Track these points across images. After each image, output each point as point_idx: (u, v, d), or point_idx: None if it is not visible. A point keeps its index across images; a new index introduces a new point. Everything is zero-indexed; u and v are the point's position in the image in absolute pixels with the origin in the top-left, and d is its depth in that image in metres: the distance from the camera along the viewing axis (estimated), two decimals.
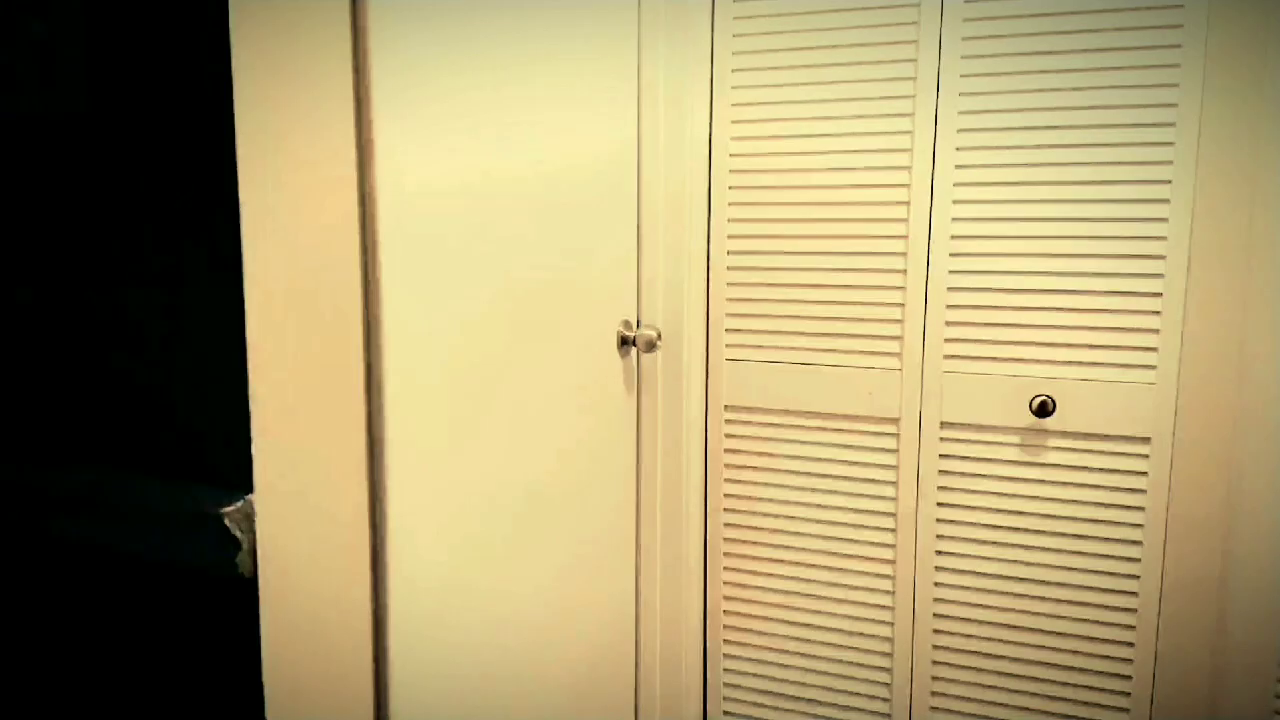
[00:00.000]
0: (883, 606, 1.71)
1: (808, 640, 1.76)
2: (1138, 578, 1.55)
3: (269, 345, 1.04)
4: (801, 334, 1.69)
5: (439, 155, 1.18)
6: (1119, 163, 1.48)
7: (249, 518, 1.07)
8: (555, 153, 1.31)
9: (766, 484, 1.75)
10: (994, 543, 1.62)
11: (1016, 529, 1.61)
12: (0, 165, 1.18)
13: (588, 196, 1.40)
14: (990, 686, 1.66)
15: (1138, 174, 1.48)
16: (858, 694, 1.74)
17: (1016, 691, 1.64)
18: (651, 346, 1.53)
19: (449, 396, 1.26)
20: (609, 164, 1.46)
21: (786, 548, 1.75)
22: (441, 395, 1.24)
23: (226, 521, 1.07)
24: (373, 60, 1.02)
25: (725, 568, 1.80)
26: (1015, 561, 1.61)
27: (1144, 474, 1.53)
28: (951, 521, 1.64)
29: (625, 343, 1.53)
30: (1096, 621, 1.58)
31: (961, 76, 1.54)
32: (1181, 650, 1.53)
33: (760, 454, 1.75)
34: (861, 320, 1.65)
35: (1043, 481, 1.58)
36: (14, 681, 1.28)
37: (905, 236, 1.61)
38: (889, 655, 1.71)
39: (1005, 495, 1.61)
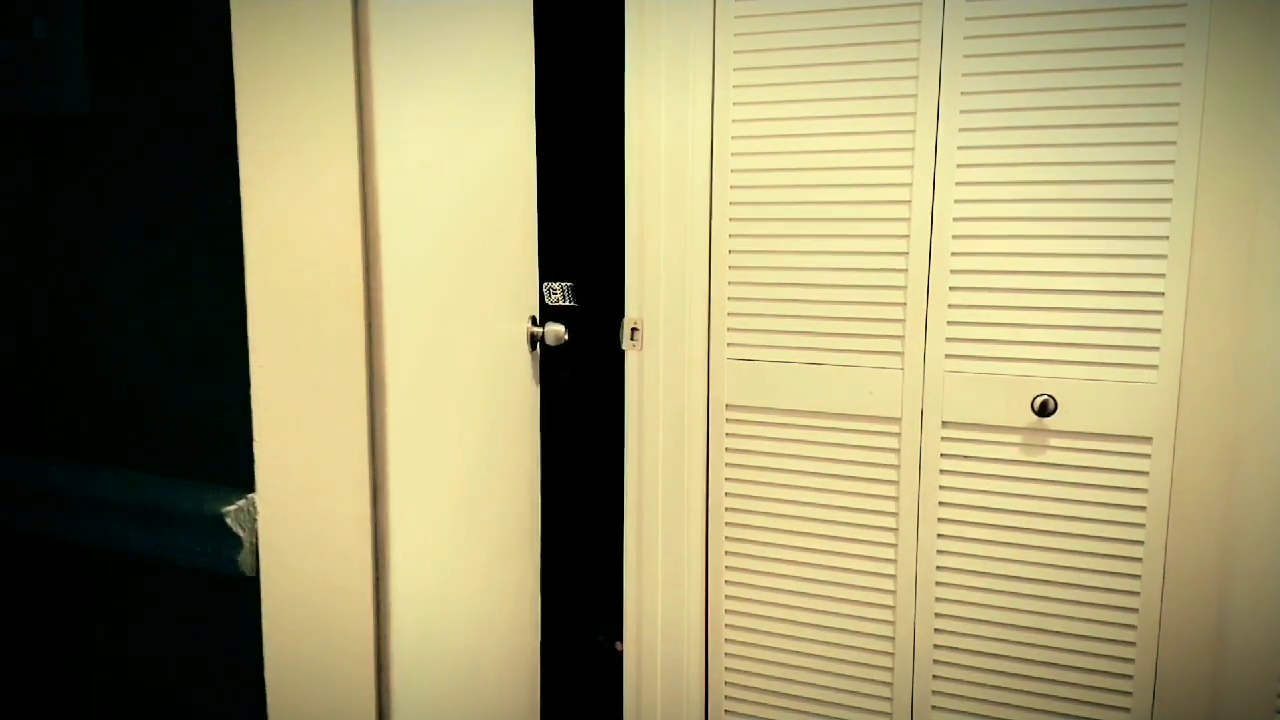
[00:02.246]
0: (884, 606, 1.71)
1: (809, 639, 1.76)
2: (1139, 577, 1.55)
3: (271, 344, 1.04)
4: (803, 333, 1.69)
5: (424, 165, 1.18)
6: (1121, 162, 1.48)
7: (251, 516, 1.08)
8: (478, 161, 1.34)
9: (768, 483, 1.75)
10: (995, 542, 1.62)
11: (1018, 529, 1.61)
12: (3, 163, 1.18)
13: (497, 198, 1.42)
14: (992, 686, 1.66)
15: (1139, 174, 1.47)
16: (859, 693, 1.74)
17: (1018, 691, 1.64)
18: (560, 339, 1.56)
19: (445, 397, 1.27)
20: (511, 167, 1.47)
21: (788, 547, 1.75)
22: (439, 396, 1.24)
23: (228, 520, 1.07)
24: (374, 57, 1.02)
25: (727, 567, 1.80)
26: (1016, 561, 1.61)
27: (1145, 474, 1.52)
28: (953, 521, 1.64)
29: (532, 340, 1.57)
30: (1098, 621, 1.58)
31: (963, 76, 1.54)
32: (1183, 650, 1.53)
33: (762, 453, 1.75)
34: (863, 320, 1.65)
35: (1044, 481, 1.58)
36: (15, 681, 1.28)
37: (907, 236, 1.61)
38: (890, 655, 1.71)
39: (1006, 495, 1.61)
